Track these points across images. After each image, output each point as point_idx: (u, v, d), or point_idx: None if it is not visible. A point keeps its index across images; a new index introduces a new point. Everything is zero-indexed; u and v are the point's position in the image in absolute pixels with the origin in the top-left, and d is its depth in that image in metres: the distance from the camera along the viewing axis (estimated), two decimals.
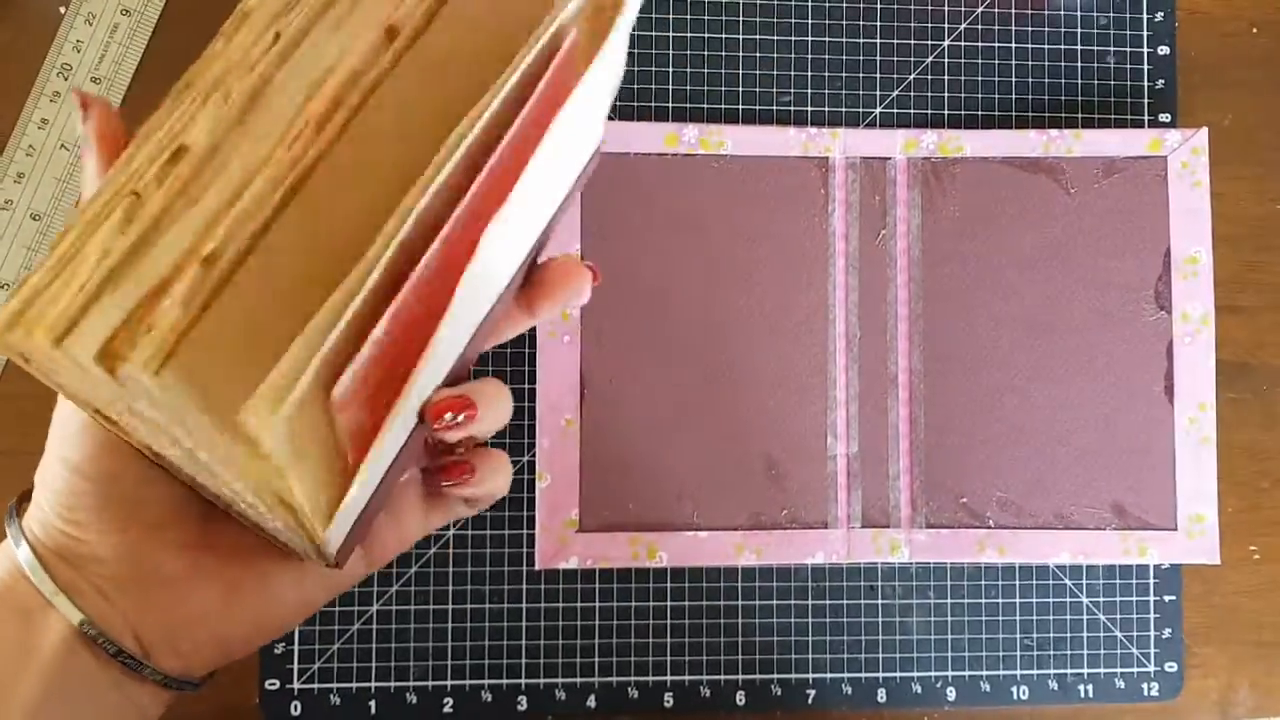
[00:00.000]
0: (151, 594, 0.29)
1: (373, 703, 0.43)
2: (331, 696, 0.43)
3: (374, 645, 0.43)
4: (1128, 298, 0.46)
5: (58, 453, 0.28)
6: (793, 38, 0.46)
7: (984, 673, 0.45)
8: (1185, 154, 0.46)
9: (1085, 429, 0.46)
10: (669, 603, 0.45)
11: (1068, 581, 0.46)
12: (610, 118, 0.45)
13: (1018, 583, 0.46)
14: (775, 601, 0.45)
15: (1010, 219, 0.46)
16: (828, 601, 0.45)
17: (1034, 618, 0.46)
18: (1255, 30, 0.48)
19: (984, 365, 0.46)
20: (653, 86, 0.46)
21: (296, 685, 0.43)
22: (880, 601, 0.45)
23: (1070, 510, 0.45)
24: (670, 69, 0.46)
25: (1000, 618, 0.45)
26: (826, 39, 0.46)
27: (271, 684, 0.43)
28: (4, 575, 0.28)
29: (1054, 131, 0.46)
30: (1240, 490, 0.47)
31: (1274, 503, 0.47)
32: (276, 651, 0.43)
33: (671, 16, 0.46)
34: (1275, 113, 0.48)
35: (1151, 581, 0.46)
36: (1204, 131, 0.46)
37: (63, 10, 0.43)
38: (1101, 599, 0.46)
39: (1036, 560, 0.45)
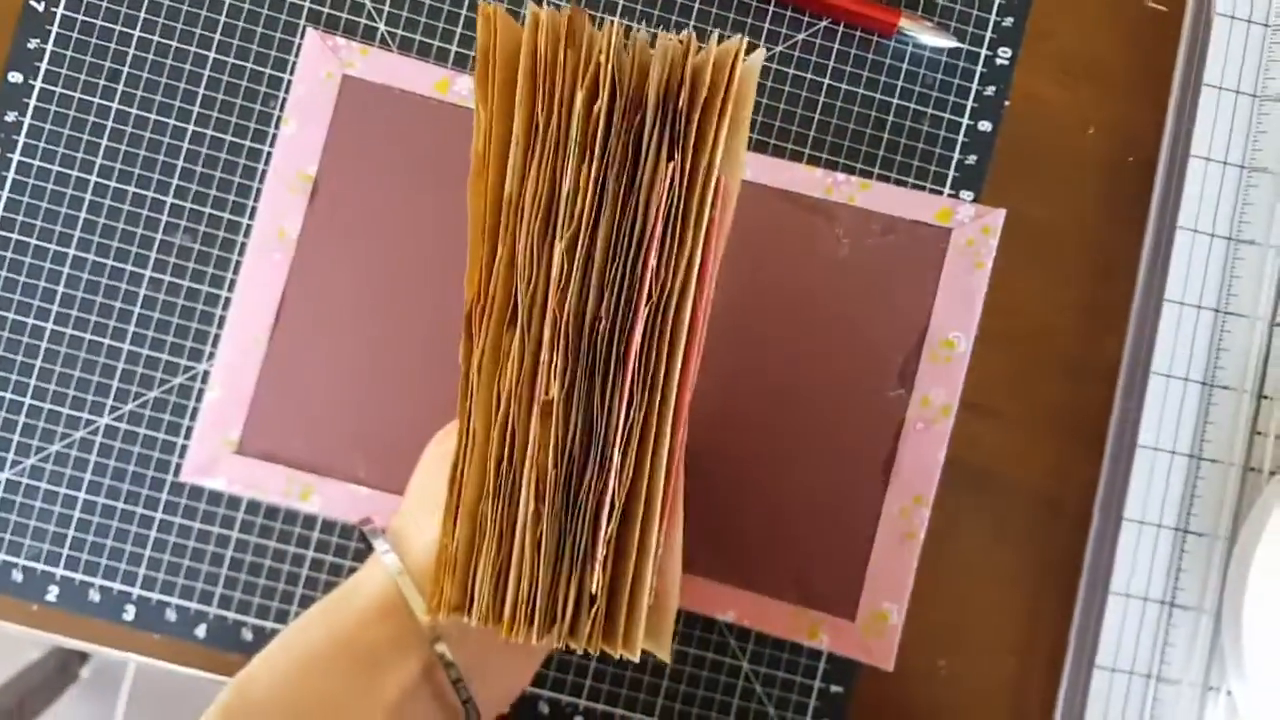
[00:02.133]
0: (490, 647, 0.32)
1: None
2: None
3: None
4: (872, 367, 0.42)
5: None
6: (599, 14, 0.43)
7: (618, 710, 0.42)
8: (974, 231, 0.42)
9: (791, 490, 0.42)
10: (311, 552, 0.42)
11: (732, 641, 0.42)
12: (386, 47, 0.43)
13: (679, 628, 0.42)
14: None
15: (773, 255, 0.43)
16: None
17: (687, 668, 0.42)
18: (1092, 130, 0.45)
19: (709, 398, 0.42)
20: (439, 25, 0.43)
21: None
22: None
23: (751, 570, 0.42)
24: (463, 11, 0.43)
25: (652, 657, 0.42)
26: (632, 24, 0.43)
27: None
28: (366, 609, 0.31)
29: (841, 175, 0.42)
30: (946, 601, 0.43)
31: (978, 622, 0.43)
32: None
33: None
34: (1088, 220, 0.44)
35: (822, 666, 0.42)
36: (1000, 213, 0.42)
37: None
38: (764, 669, 0.42)
39: (702, 611, 0.42)
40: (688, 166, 0.28)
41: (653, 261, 0.28)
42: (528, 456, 0.28)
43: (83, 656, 1.02)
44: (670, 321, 0.28)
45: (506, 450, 0.28)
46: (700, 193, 0.28)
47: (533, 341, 0.28)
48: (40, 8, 0.42)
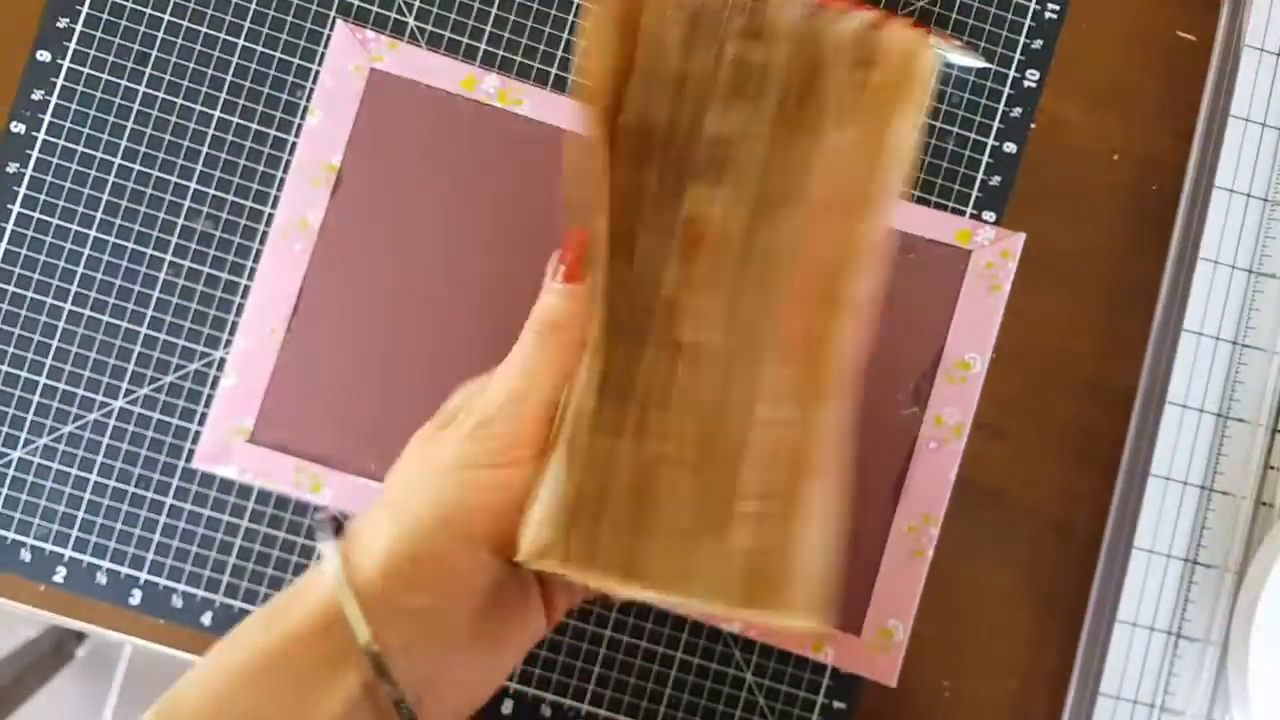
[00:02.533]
0: (449, 656, 0.30)
1: None
2: None
3: (4, 491, 0.41)
4: (887, 384, 0.42)
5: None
6: None
7: (619, 716, 0.42)
8: (993, 254, 0.42)
9: None
10: (318, 541, 0.42)
11: (736, 653, 0.42)
12: (415, 41, 0.43)
13: (685, 636, 0.42)
14: None
15: None
16: None
17: (690, 678, 0.42)
18: (1116, 157, 0.44)
19: None
20: (469, 22, 0.43)
21: None
22: None
23: None
24: (493, 9, 0.43)
25: (655, 666, 0.42)
26: None
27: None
28: (305, 620, 0.29)
29: None
30: (952, 622, 0.43)
31: (983, 645, 0.43)
32: None
33: None
34: (1110, 247, 0.44)
35: (825, 682, 0.42)
36: (1020, 237, 0.42)
37: None
38: (767, 682, 0.42)
39: (706, 621, 0.42)
40: None
41: None
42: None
43: (79, 636, 1.01)
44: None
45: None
46: None
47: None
48: None
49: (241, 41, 0.42)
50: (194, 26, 0.42)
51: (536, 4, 0.43)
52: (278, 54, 0.42)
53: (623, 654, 0.42)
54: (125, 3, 0.42)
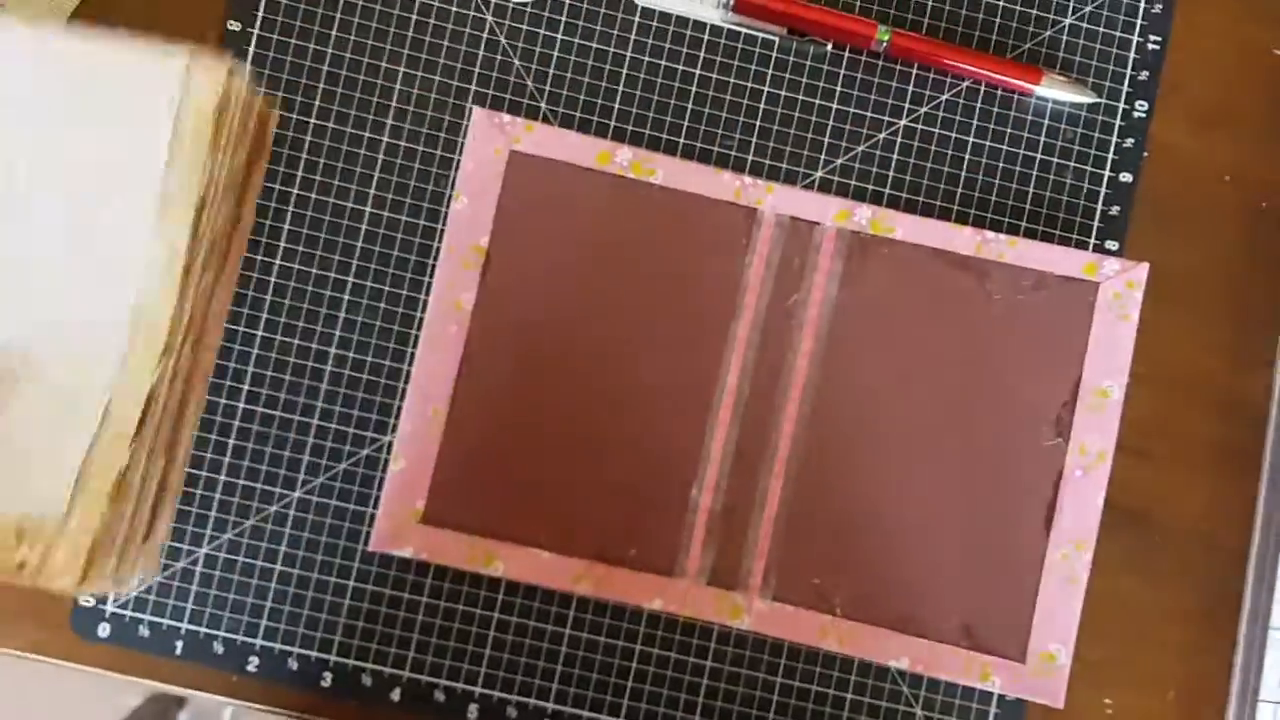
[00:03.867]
0: None
1: (180, 643, 0.42)
2: (141, 628, 0.42)
3: (194, 587, 0.42)
4: (1028, 418, 0.43)
5: None
6: (749, 84, 0.44)
7: None
8: (1119, 285, 0.43)
9: (954, 539, 0.43)
10: (496, 614, 0.43)
11: (905, 689, 0.43)
12: (549, 123, 0.44)
13: (853, 678, 0.43)
14: (603, 639, 0.43)
15: (927, 312, 0.44)
16: (657, 651, 0.43)
17: (862, 717, 0.43)
18: (1228, 178, 0.45)
19: (866, 452, 0.43)
20: (598, 101, 0.44)
21: (109, 608, 0.42)
22: (709, 663, 0.43)
23: (920, 617, 0.43)
24: (619, 87, 0.44)
25: (827, 709, 0.43)
26: (783, 93, 0.44)
27: (86, 601, 0.42)
28: None
29: (990, 233, 0.43)
30: (1108, 640, 0.44)
31: (1140, 660, 0.44)
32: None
33: (633, 36, 0.44)
34: (1228, 265, 0.45)
35: (993, 710, 0.43)
36: (1144, 267, 0.43)
37: None
38: (936, 715, 0.43)
39: (876, 659, 0.43)
40: None
41: None
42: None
43: (180, 702, 1.03)
44: None
45: None
46: None
47: None
48: None
49: (385, 139, 0.43)
50: (338, 128, 0.43)
51: (660, 78, 0.44)
52: (420, 147, 0.43)
53: (777, 695, 0.43)
54: (274, 110, 0.43)
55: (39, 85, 0.35)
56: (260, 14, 0.43)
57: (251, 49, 0.43)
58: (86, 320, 0.34)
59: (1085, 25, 0.45)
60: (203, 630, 0.42)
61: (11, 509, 0.34)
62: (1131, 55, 0.45)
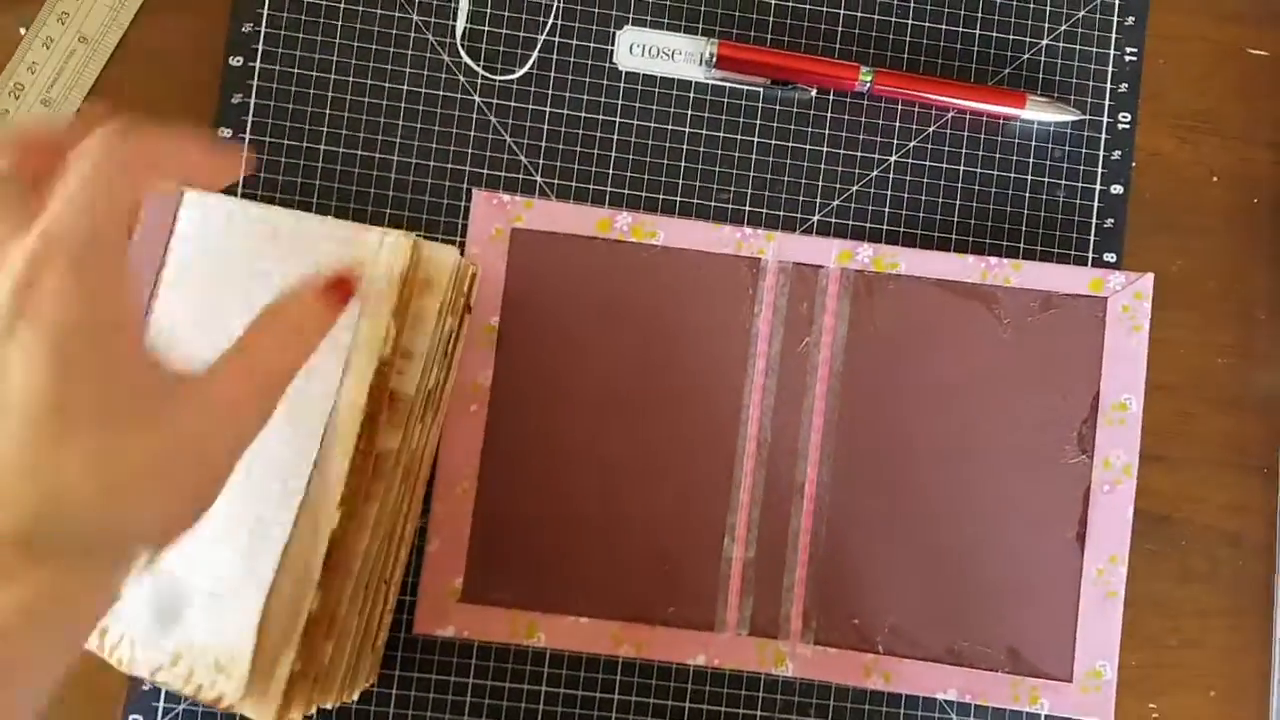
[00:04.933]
0: None
1: None
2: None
3: None
4: (1049, 437, 0.43)
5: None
6: (739, 136, 0.44)
7: None
8: (1127, 297, 0.43)
9: (989, 566, 0.43)
10: (543, 687, 0.42)
11: (954, 718, 0.43)
12: (546, 196, 0.44)
13: (902, 711, 0.43)
14: (652, 700, 0.43)
15: (938, 343, 0.44)
16: (705, 706, 0.43)
17: None
18: (1215, 178, 0.46)
19: (894, 488, 0.43)
20: (593, 169, 0.44)
21: (161, 704, 0.41)
22: (759, 713, 0.43)
23: (964, 647, 0.43)
24: (612, 153, 0.44)
25: None
26: (773, 141, 0.44)
27: (135, 718, 0.41)
28: None
29: (993, 259, 0.43)
30: (1146, 646, 0.44)
31: (1179, 661, 0.44)
32: (145, 687, 0.41)
33: (620, 102, 0.44)
34: (1226, 262, 0.45)
35: None
36: (1149, 277, 0.43)
37: (22, 31, 0.42)
38: None
39: (923, 693, 0.43)
40: None
41: None
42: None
43: None
44: None
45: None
46: None
47: None
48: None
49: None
50: (342, 206, 0.43)
51: (651, 140, 0.44)
52: (422, 233, 0.43)
53: None
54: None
55: (263, 253, 0.37)
56: (250, 118, 0.43)
57: (245, 150, 0.43)
58: (274, 465, 0.35)
59: (1062, 45, 0.45)
60: None
61: (212, 641, 0.34)
62: (1110, 69, 0.45)
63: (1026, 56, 0.45)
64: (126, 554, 0.28)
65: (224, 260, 0.37)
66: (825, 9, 0.45)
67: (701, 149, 0.44)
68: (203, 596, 0.34)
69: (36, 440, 0.25)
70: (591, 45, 0.44)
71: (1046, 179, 0.45)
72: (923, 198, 0.44)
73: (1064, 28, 0.45)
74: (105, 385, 0.26)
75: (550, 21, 0.44)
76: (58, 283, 0.26)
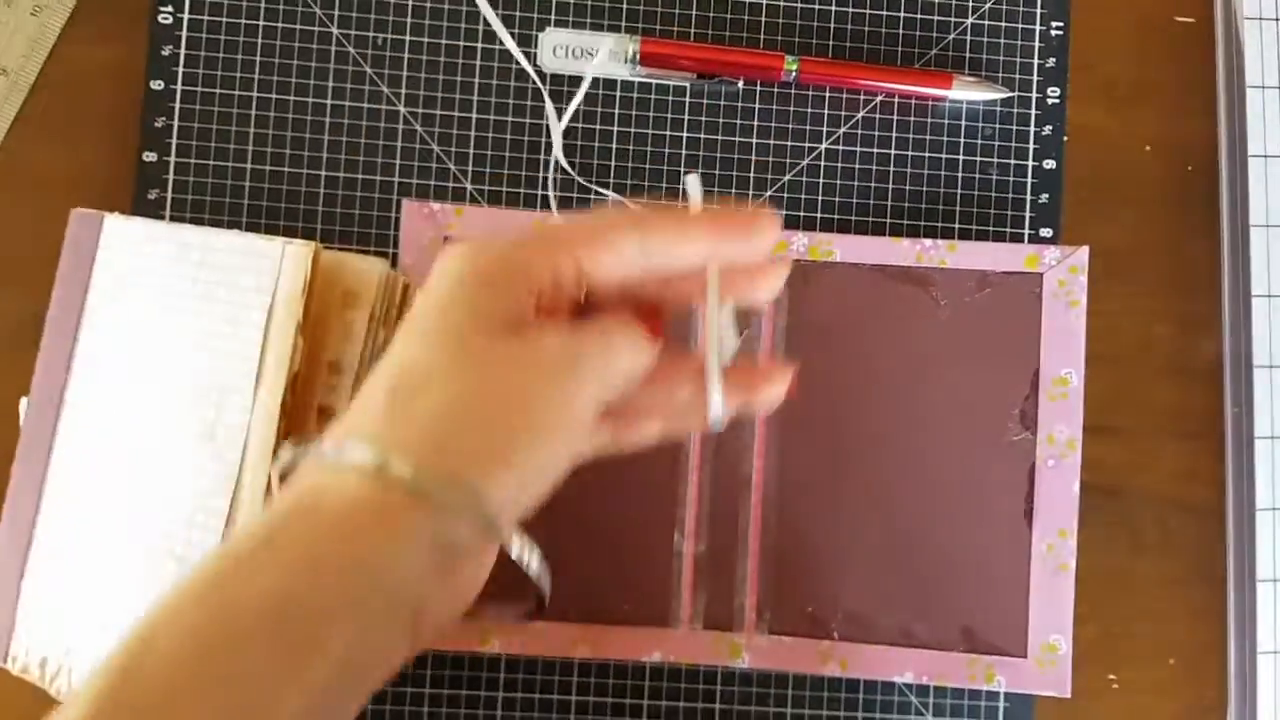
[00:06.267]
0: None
1: None
2: None
3: None
4: (992, 416, 0.43)
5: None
6: (668, 132, 0.43)
7: None
8: (1063, 272, 0.43)
9: (940, 547, 0.42)
10: (500, 693, 0.42)
11: (913, 699, 0.43)
12: (477, 203, 0.43)
13: (861, 696, 0.42)
14: (610, 699, 0.42)
15: (878, 328, 0.43)
16: (664, 703, 0.42)
17: None
18: (1148, 148, 0.45)
19: (840, 474, 0.43)
20: (522, 173, 0.43)
21: None
22: (718, 706, 0.42)
23: (919, 628, 0.42)
24: (540, 155, 0.43)
25: None
26: (702, 135, 0.44)
27: None
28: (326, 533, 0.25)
29: (928, 241, 0.43)
30: (1103, 618, 0.43)
31: (1137, 632, 0.43)
32: None
33: (546, 105, 0.43)
34: (1163, 233, 0.45)
35: (1001, 705, 0.43)
36: (1084, 250, 0.43)
37: None
38: (949, 719, 0.43)
39: (880, 677, 0.42)
40: None
41: None
42: None
43: None
44: None
45: None
46: None
47: None
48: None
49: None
50: (272, 224, 0.42)
51: (580, 140, 0.43)
52: (353, 246, 0.42)
53: None
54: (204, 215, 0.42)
55: (167, 268, 0.36)
56: (174, 140, 0.42)
57: (171, 175, 0.42)
58: (196, 486, 0.34)
59: (987, 23, 0.44)
60: None
61: None
62: (1036, 44, 0.45)
63: (952, 37, 0.44)
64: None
65: (142, 279, 0.36)
66: (747, 0, 0.44)
67: (630, 147, 0.43)
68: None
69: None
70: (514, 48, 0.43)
71: (979, 158, 0.44)
72: (855, 184, 0.44)
73: (989, 5, 0.44)
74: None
75: (472, 27, 0.43)
76: None
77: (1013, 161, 0.44)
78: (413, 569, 0.25)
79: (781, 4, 0.44)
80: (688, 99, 0.44)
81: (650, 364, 0.29)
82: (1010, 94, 0.44)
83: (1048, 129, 0.44)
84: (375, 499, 0.25)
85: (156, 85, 0.42)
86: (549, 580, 0.29)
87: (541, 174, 0.43)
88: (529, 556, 0.27)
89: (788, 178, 0.44)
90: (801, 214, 0.44)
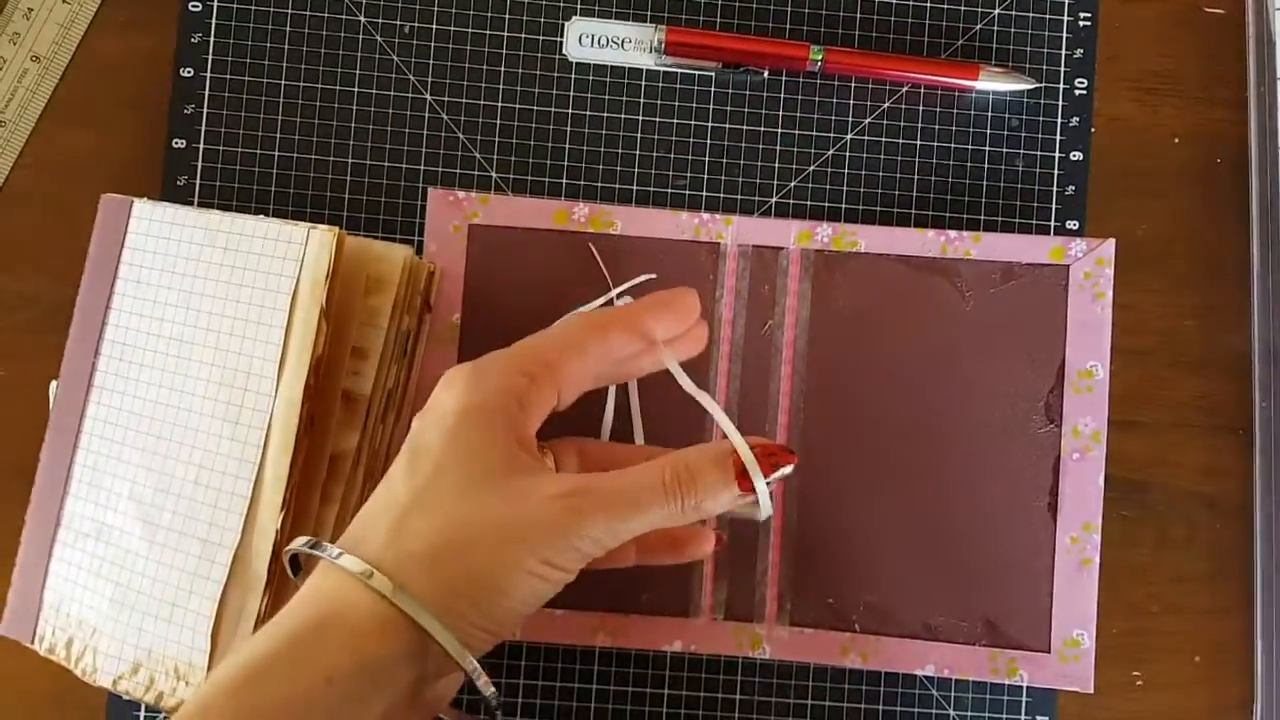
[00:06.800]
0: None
1: None
2: None
3: None
4: (1017, 408, 0.42)
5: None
6: (693, 122, 0.43)
7: None
8: (1089, 264, 0.42)
9: (962, 540, 0.42)
10: (521, 680, 0.42)
11: (934, 693, 0.42)
12: (502, 191, 0.43)
13: (882, 689, 0.42)
14: (630, 688, 0.42)
15: (902, 319, 0.43)
16: (684, 692, 0.42)
17: None
18: (1177, 140, 0.44)
19: (862, 466, 0.42)
20: (548, 162, 0.43)
21: (142, 714, 0.41)
22: (738, 697, 0.42)
23: (940, 621, 0.42)
24: (566, 145, 0.43)
25: None
26: (727, 125, 0.43)
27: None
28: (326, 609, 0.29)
29: (953, 232, 0.42)
30: (1127, 612, 0.43)
31: (1161, 627, 0.43)
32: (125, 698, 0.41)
33: (572, 94, 0.43)
34: (1191, 225, 0.44)
35: (1024, 700, 0.42)
36: (1111, 243, 0.42)
37: None
38: (970, 714, 0.42)
39: (901, 669, 0.42)
40: None
41: None
42: None
43: None
44: None
45: None
46: None
47: None
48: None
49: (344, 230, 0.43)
50: (298, 211, 0.42)
51: (605, 130, 0.43)
52: (379, 234, 0.43)
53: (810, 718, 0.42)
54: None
55: (194, 252, 0.37)
56: (203, 128, 0.42)
57: (199, 162, 0.42)
58: (221, 470, 0.34)
59: (1014, 13, 0.44)
60: None
61: (171, 649, 0.34)
62: (1064, 35, 0.44)
63: (979, 27, 0.44)
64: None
65: (170, 264, 0.36)
66: None
67: (656, 136, 0.43)
68: (162, 605, 0.34)
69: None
70: (540, 38, 0.43)
71: (1005, 149, 0.44)
72: (880, 174, 0.43)
73: None
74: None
75: (499, 15, 0.43)
76: None
77: (1039, 153, 0.44)
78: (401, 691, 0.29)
79: None
80: (713, 88, 0.43)
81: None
82: (1037, 85, 0.44)
83: (1075, 120, 0.44)
84: (378, 623, 0.28)
85: (186, 72, 0.42)
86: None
87: (567, 163, 0.43)
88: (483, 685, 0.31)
89: (812, 168, 0.43)
90: (826, 204, 0.43)
